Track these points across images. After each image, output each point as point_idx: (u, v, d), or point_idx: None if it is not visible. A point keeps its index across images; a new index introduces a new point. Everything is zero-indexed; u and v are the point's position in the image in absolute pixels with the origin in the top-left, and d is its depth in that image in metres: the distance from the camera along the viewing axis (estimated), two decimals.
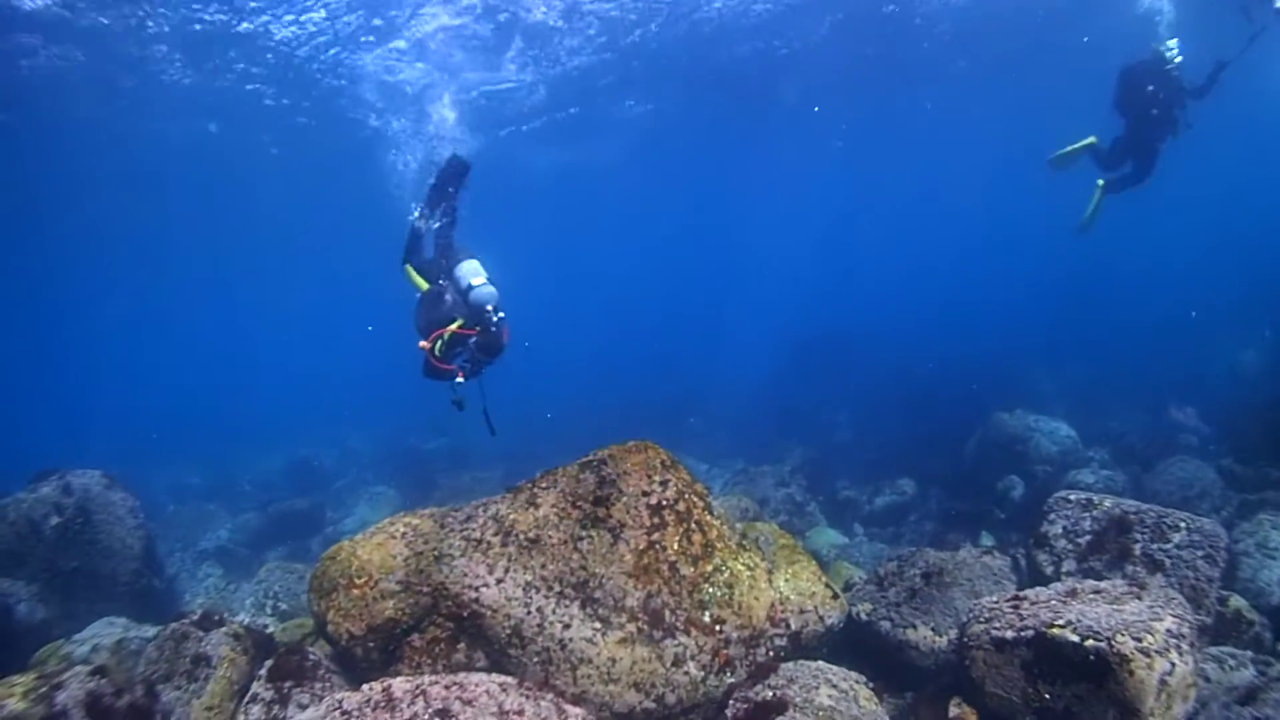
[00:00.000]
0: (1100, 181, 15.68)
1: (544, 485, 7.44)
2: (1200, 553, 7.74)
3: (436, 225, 11.64)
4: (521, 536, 7.05)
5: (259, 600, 13.21)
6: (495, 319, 10.26)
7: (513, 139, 32.34)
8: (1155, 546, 7.94)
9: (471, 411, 10.61)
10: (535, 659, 6.57)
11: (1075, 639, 5.61)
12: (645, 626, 6.70)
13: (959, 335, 33.47)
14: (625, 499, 7.17)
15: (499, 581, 6.86)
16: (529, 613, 6.70)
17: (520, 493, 7.50)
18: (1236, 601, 8.49)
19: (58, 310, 51.18)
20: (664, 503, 7.23)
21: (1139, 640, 5.47)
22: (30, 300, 45.34)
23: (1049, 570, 8.36)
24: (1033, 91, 32.28)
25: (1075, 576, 8.09)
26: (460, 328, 10.18)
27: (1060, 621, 5.81)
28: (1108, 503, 8.56)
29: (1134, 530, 8.14)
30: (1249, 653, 7.82)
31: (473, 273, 10.66)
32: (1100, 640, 5.51)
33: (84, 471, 13.41)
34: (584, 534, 6.99)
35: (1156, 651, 5.44)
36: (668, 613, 6.79)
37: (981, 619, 6.32)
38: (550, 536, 7.00)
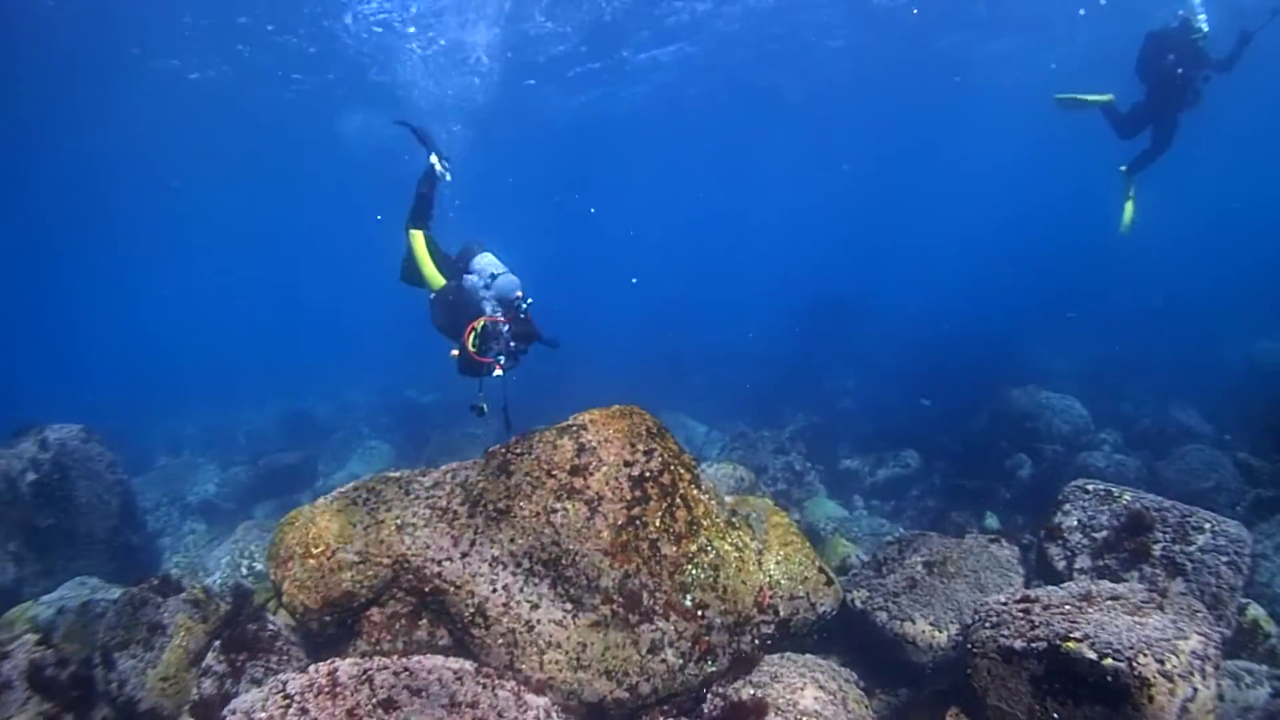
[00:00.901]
0: (1122, 168, 15.16)
1: (518, 451, 6.81)
2: (1224, 558, 7.16)
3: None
4: (490, 507, 6.49)
5: (234, 560, 12.81)
6: (525, 305, 9.82)
7: (535, 88, 31.71)
8: (1177, 548, 7.35)
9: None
10: (500, 640, 6.05)
11: (1092, 655, 5.05)
12: (620, 609, 6.17)
13: (972, 309, 33.00)
14: (605, 469, 6.58)
15: (464, 555, 6.33)
16: (494, 590, 6.17)
17: (492, 458, 6.91)
18: (1255, 610, 7.98)
19: (56, 262, 50.83)
20: (647, 474, 6.64)
21: (1161, 662, 4.92)
22: (28, 251, 44.96)
23: (1060, 565, 7.79)
24: (1065, 62, 31.63)
25: (1089, 574, 7.55)
26: (491, 318, 9.69)
27: (1076, 634, 5.25)
28: (1128, 496, 7.95)
29: (1155, 529, 7.53)
30: (1265, 667, 7.36)
31: (492, 264, 10.30)
32: (1120, 659, 4.96)
33: (62, 426, 13.03)
34: (558, 506, 6.40)
35: (1180, 675, 4.91)
36: (646, 595, 6.24)
37: (988, 623, 5.75)
38: (522, 508, 6.42)
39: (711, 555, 6.59)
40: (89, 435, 13.14)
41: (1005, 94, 35.60)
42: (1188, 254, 41.76)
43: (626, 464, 6.64)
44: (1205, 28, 13.62)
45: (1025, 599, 6.08)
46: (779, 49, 30.08)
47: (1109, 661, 4.98)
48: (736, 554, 6.78)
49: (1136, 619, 5.51)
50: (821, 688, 5.83)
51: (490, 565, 6.26)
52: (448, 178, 10.95)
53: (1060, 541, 7.93)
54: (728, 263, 70.42)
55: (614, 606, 6.16)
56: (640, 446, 6.78)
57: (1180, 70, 13.76)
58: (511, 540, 6.33)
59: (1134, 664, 4.91)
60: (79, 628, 8.58)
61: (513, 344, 9.75)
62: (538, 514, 6.37)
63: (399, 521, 6.66)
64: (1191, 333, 25.65)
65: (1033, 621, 5.61)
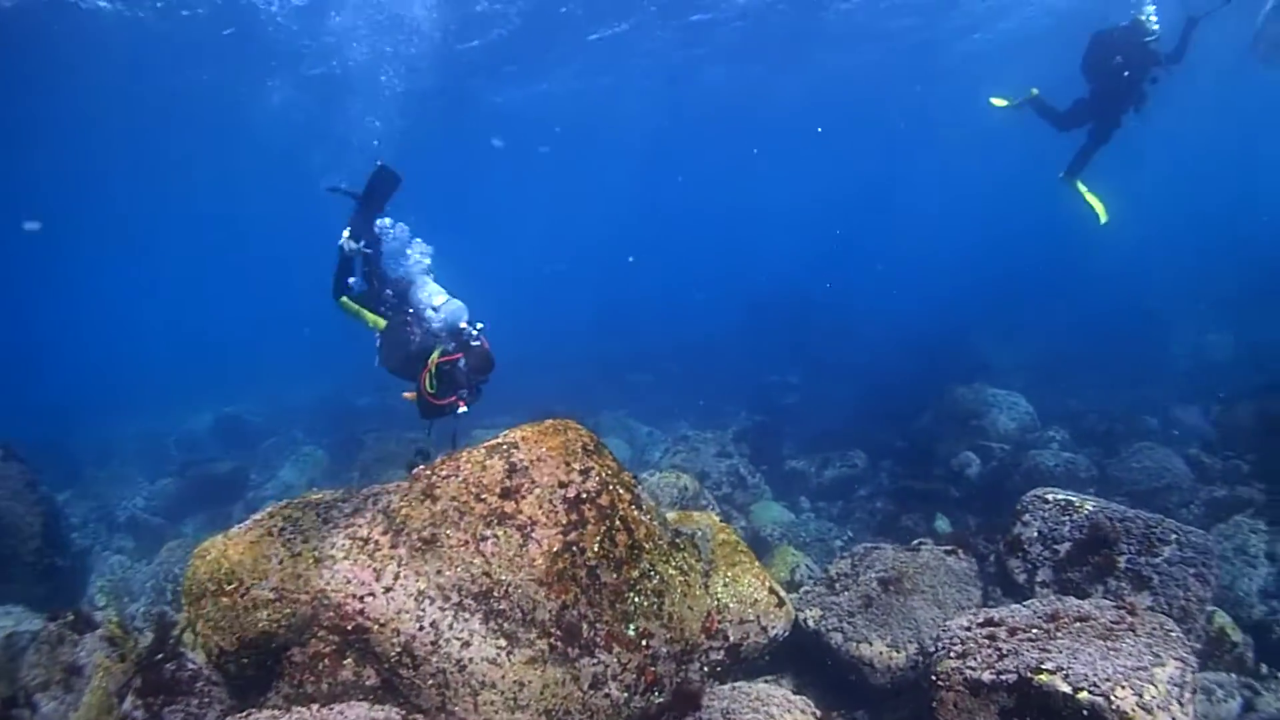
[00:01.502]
0: (1060, 175, 15.02)
1: (444, 474, 6.26)
2: (1192, 570, 6.92)
3: (362, 251, 10.35)
4: (415, 536, 5.94)
5: (159, 584, 12.22)
6: (475, 333, 9.26)
7: (471, 75, 30.91)
8: (1142, 560, 7.09)
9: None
10: (430, 682, 5.55)
11: (1067, 689, 4.71)
12: (559, 643, 5.69)
13: (919, 304, 33.00)
14: (538, 491, 6.08)
15: (387, 590, 5.78)
16: (421, 627, 5.64)
17: (416, 482, 6.35)
18: (1221, 618, 7.86)
19: None
20: (584, 496, 6.15)
21: (1140, 694, 4.62)
22: None
23: (1022, 579, 7.49)
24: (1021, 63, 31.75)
25: (1051, 588, 7.26)
26: (443, 355, 9.12)
27: (1048, 665, 4.90)
28: (1089, 506, 7.66)
29: (1118, 541, 7.26)
30: (1234, 677, 7.25)
31: (434, 292, 9.62)
32: (1097, 694, 4.63)
33: None
34: (488, 533, 5.87)
35: (1159, 707, 4.61)
36: (585, 626, 5.78)
37: (953, 652, 5.38)
38: (449, 536, 5.89)
39: (655, 581, 6.15)
40: (7, 453, 12.51)
41: (960, 91, 35.64)
42: (1137, 250, 42.11)
43: (561, 485, 6.15)
44: (1157, 29, 13.38)
45: (989, 622, 5.75)
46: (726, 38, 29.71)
47: (1085, 695, 4.66)
48: (682, 578, 6.36)
49: (1109, 644, 5.19)
50: None
51: (416, 600, 5.74)
52: (359, 246, 10.21)
53: (1021, 554, 7.64)
54: (674, 259, 70.08)
55: (552, 640, 5.69)
56: (576, 465, 6.29)
57: (1127, 74, 13.51)
58: (439, 572, 5.80)
59: (1111, 698, 4.61)
60: (4, 663, 7.96)
61: (471, 377, 9.24)
62: (466, 543, 5.84)
63: (317, 554, 6.10)
64: (1140, 327, 25.68)
65: (1000, 650, 5.26)
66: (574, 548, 5.94)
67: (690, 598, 6.32)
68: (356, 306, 9.99)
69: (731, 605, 6.64)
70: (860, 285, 40.04)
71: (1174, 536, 7.18)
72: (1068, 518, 7.64)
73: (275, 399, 29.64)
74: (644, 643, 5.93)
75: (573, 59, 31.07)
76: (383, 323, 9.84)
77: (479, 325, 9.34)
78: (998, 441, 15.63)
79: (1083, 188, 14.91)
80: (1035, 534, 7.68)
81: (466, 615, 5.69)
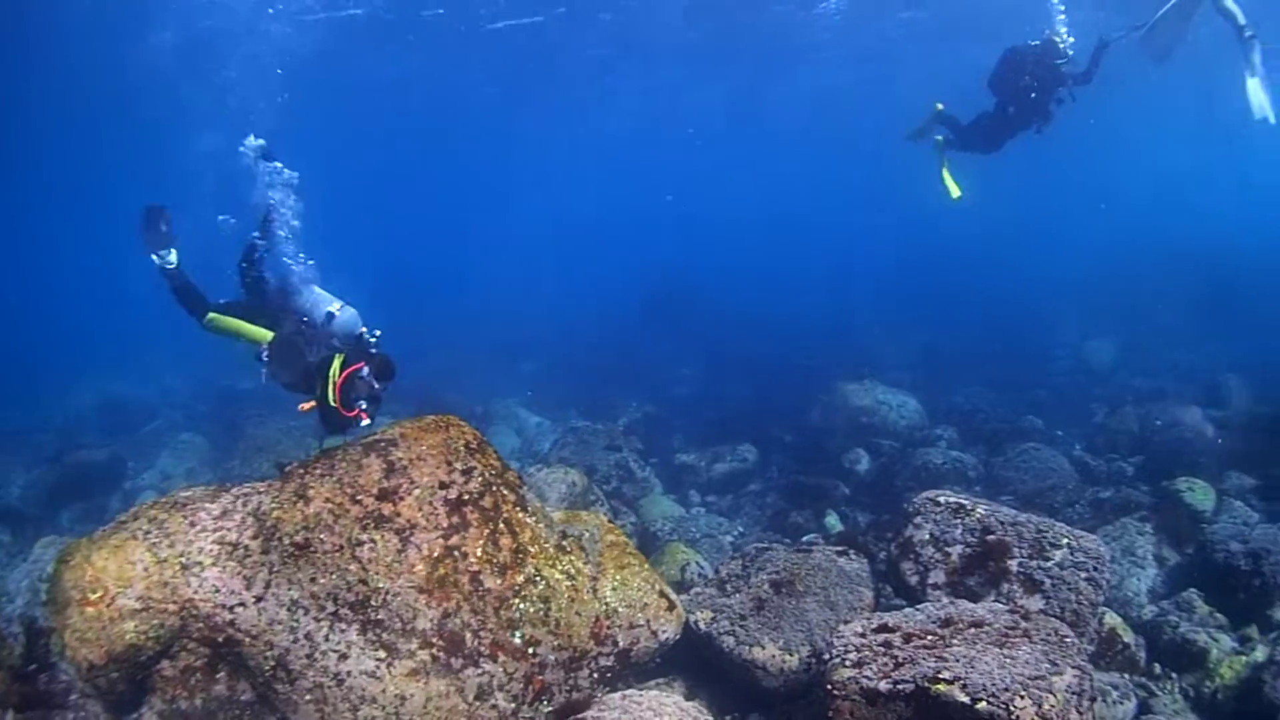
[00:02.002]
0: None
1: (318, 472, 5.91)
2: (1083, 574, 6.92)
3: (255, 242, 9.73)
4: (287, 540, 5.57)
5: (33, 584, 11.47)
6: (374, 339, 8.81)
7: (353, 51, 29.58)
8: (1034, 565, 7.07)
9: None
10: (306, 697, 5.20)
11: (965, 699, 4.60)
12: (441, 653, 5.42)
13: (812, 299, 33.30)
14: (418, 492, 5.79)
15: (258, 599, 5.40)
16: (295, 639, 5.29)
17: (288, 481, 5.96)
18: (1111, 619, 7.95)
19: None
20: (466, 497, 5.90)
21: (1039, 704, 4.53)
22: None
23: (914, 581, 7.41)
24: (908, 63, 32.12)
25: (944, 590, 7.19)
26: (346, 365, 8.62)
27: (945, 674, 4.78)
28: (981, 509, 7.65)
29: (1011, 545, 7.25)
30: (1127, 678, 7.33)
31: (322, 300, 9.00)
32: (996, 704, 4.53)
33: None
34: (365, 538, 5.55)
35: (1058, 715, 4.54)
36: (469, 635, 5.52)
37: (848, 661, 5.23)
38: (323, 541, 5.53)
39: (541, 586, 5.92)
40: None
41: (845, 83, 35.93)
42: (1025, 256, 43.15)
43: (443, 485, 5.86)
44: (1071, 52, 13.45)
45: (883, 628, 5.63)
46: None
47: (984, 705, 4.55)
48: (569, 582, 6.13)
49: (1005, 652, 5.11)
50: None
51: (289, 610, 5.38)
52: (171, 258, 9.20)
53: (913, 557, 7.56)
54: (566, 247, 69.67)
55: (434, 651, 5.41)
56: (458, 465, 6.01)
57: (1034, 94, 13.55)
58: (313, 580, 5.44)
59: (1011, 708, 4.51)
60: None
61: (375, 385, 8.81)
62: (341, 548, 5.50)
63: (184, 560, 5.64)
64: (1026, 332, 26.28)
65: (896, 658, 5.14)
66: (456, 552, 5.67)
67: (578, 603, 6.09)
68: (233, 321, 9.08)
69: (621, 610, 6.42)
70: (756, 280, 40.27)
71: (1065, 541, 7.20)
72: (960, 521, 7.60)
73: (158, 378, 28.40)
74: (531, 651, 5.70)
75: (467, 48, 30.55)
76: (268, 335, 9.25)
77: (377, 332, 8.95)
78: (887, 438, 15.77)
79: (944, 161, 14.98)
80: (927, 536, 7.61)
81: (343, 626, 5.37)
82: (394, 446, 5.98)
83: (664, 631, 6.67)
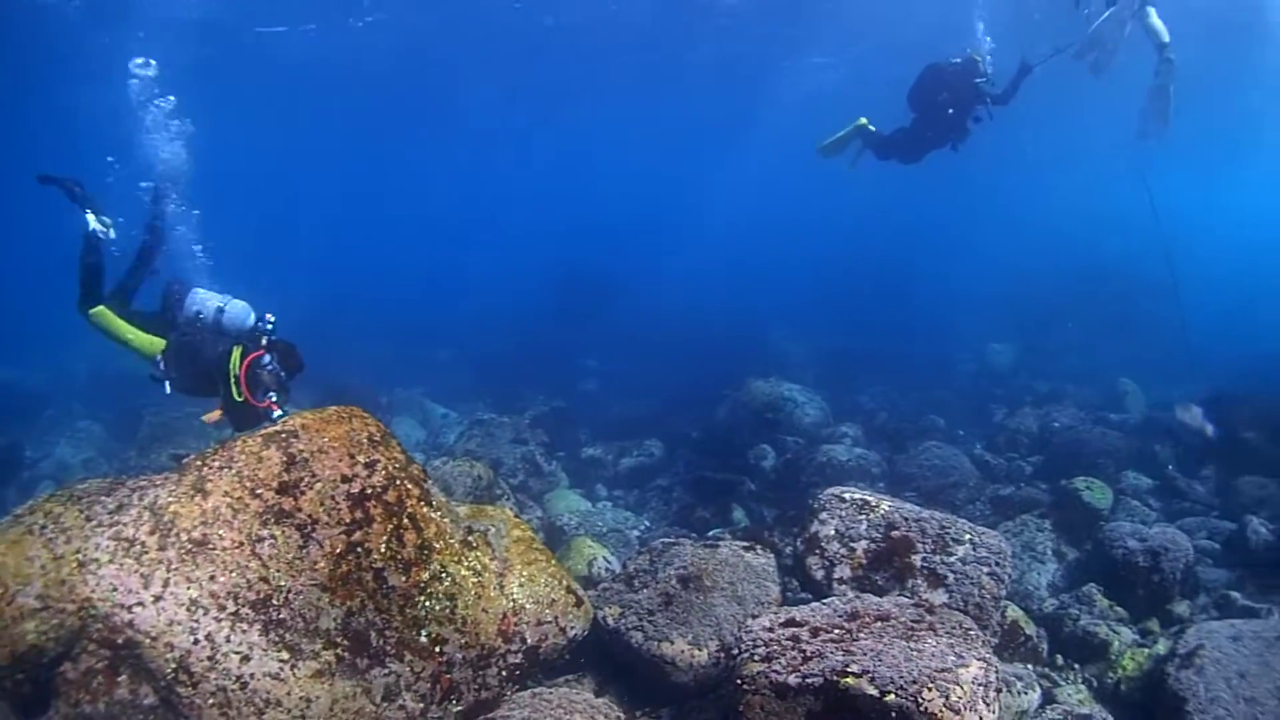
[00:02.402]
0: (863, 120, 15.11)
1: (215, 464, 5.67)
2: (985, 569, 7.08)
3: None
4: (185, 536, 5.33)
5: None
6: (270, 327, 8.54)
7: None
8: (938, 559, 7.21)
9: None
10: (210, 701, 4.99)
11: (874, 692, 4.64)
12: (347, 653, 5.28)
13: (719, 296, 33.57)
14: (320, 486, 5.62)
15: (156, 599, 5.15)
16: (196, 641, 5.06)
17: (186, 474, 5.71)
18: (1014, 612, 8.12)
19: None
20: (369, 491, 5.75)
21: (946, 695, 4.59)
22: None
23: (819, 576, 7.48)
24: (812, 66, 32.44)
25: (849, 585, 7.27)
26: (245, 355, 8.31)
27: (854, 668, 4.82)
28: (885, 505, 7.78)
29: (915, 541, 7.38)
30: (1030, 668, 7.50)
31: (206, 298, 8.72)
32: (905, 696, 4.58)
33: None
34: (265, 533, 5.37)
35: (965, 706, 4.61)
36: (374, 634, 5.39)
37: (757, 655, 5.24)
38: (221, 537, 5.32)
39: (447, 583, 5.81)
40: None
41: (770, 89, 36.24)
42: (933, 265, 43.92)
43: (345, 479, 5.71)
44: (990, 71, 13.61)
45: (791, 622, 5.65)
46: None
47: (892, 698, 4.59)
48: (475, 579, 6.03)
49: (911, 644, 5.17)
50: None
51: (189, 610, 5.15)
52: (112, 234, 8.81)
53: (818, 552, 7.62)
54: (479, 236, 69.04)
55: (339, 651, 5.26)
56: (361, 458, 5.86)
57: (951, 111, 13.73)
58: (212, 578, 5.23)
59: (919, 700, 4.57)
60: None
61: (282, 375, 8.56)
62: (240, 544, 5.30)
63: (81, 556, 5.35)
64: (930, 335, 26.85)
65: (804, 652, 5.16)
66: (359, 549, 5.53)
67: (485, 600, 6.00)
68: (120, 322, 8.62)
69: (528, 606, 6.34)
70: (665, 274, 40.45)
71: (968, 536, 7.34)
72: (864, 517, 7.70)
73: (57, 362, 27.35)
74: (438, 649, 5.59)
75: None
76: (160, 342, 8.69)
77: (270, 317, 8.73)
78: (792, 435, 15.96)
79: (847, 136, 15.21)
80: (833, 532, 7.69)
81: (244, 626, 5.18)
82: (295, 439, 5.80)
83: (572, 628, 6.61)
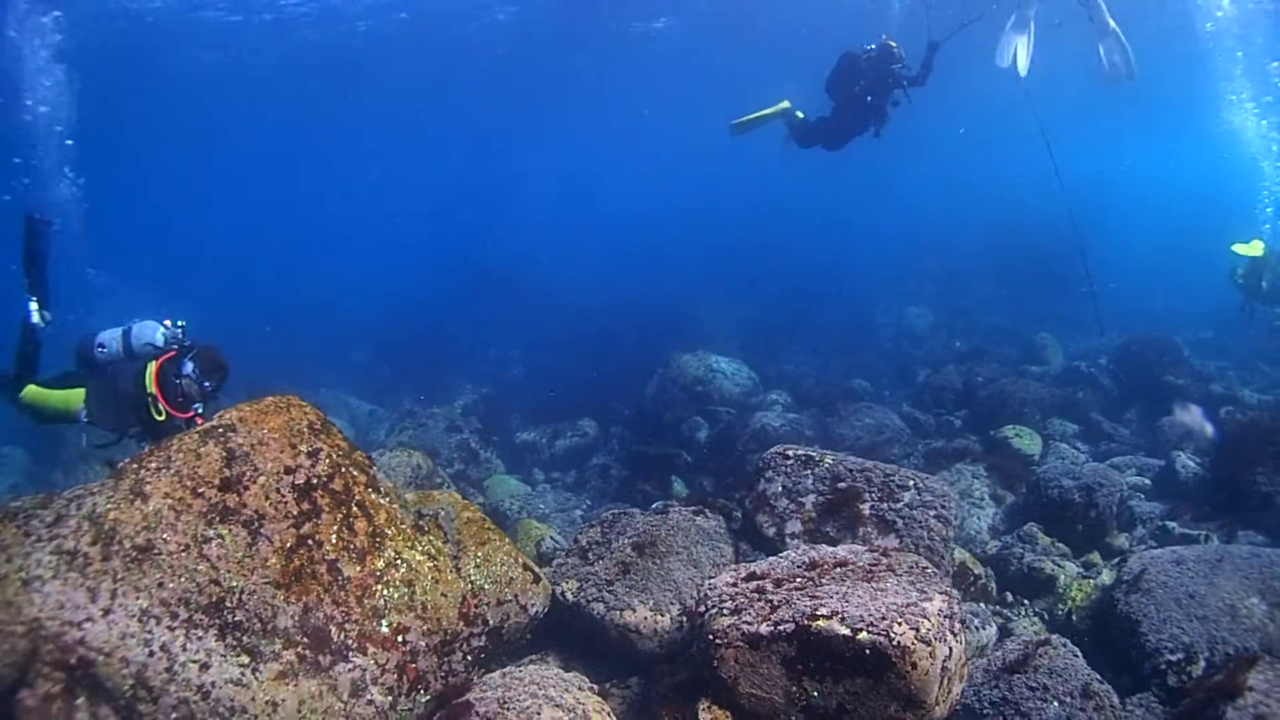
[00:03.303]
0: (786, 103, 15.06)
1: (153, 466, 5.40)
2: (932, 512, 7.27)
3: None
4: (128, 544, 5.06)
5: None
6: (180, 333, 8.19)
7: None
8: (885, 506, 7.38)
9: None
10: (173, 715, 4.73)
11: (845, 631, 4.69)
12: (308, 651, 5.11)
13: (638, 277, 33.84)
14: (263, 479, 5.44)
15: (106, 612, 4.88)
16: (152, 653, 4.82)
17: (123, 478, 5.42)
18: (961, 554, 8.36)
19: None
20: (315, 481, 5.60)
21: (916, 629, 4.67)
22: None
23: (771, 533, 7.56)
24: (726, 52, 32.58)
25: (802, 538, 7.37)
26: (160, 364, 7.91)
27: (823, 611, 4.87)
28: (829, 459, 7.90)
29: (861, 490, 7.52)
30: (983, 605, 7.75)
31: (114, 331, 8.22)
32: (876, 633, 4.65)
33: None
34: (211, 533, 5.16)
35: (935, 638, 4.70)
36: (335, 629, 5.24)
37: (726, 610, 5.25)
38: (166, 541, 5.09)
39: (403, 569, 5.69)
40: None
41: (667, 69, 36.27)
42: (851, 238, 44.53)
43: (288, 470, 5.54)
44: (903, 56, 13.62)
45: (753, 576, 5.70)
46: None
47: (865, 635, 4.66)
48: (431, 563, 5.91)
49: (875, 585, 5.27)
50: (558, 705, 5.08)
51: (140, 621, 4.91)
52: (46, 319, 8.36)
53: (768, 509, 7.72)
54: (391, 234, 68.10)
55: (300, 650, 5.10)
56: (303, 447, 5.70)
57: (870, 98, 13.79)
58: (160, 585, 4.99)
59: (891, 634, 4.63)
60: None
61: (206, 384, 8.20)
62: (187, 547, 5.08)
63: (24, 575, 5.03)
64: (849, 303, 27.24)
65: (771, 602, 5.18)
66: (309, 541, 5.38)
67: (443, 583, 5.89)
68: (43, 391, 8.17)
69: (487, 586, 6.24)
70: (575, 257, 40.50)
71: (912, 483, 7.52)
72: (810, 471, 7.81)
73: None
74: (400, 639, 5.47)
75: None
76: (79, 393, 8.23)
77: (181, 322, 8.39)
78: (723, 405, 16.09)
79: (769, 113, 15.11)
80: (780, 489, 7.78)
81: (199, 632, 4.98)
82: (233, 432, 5.60)
83: (533, 605, 6.53)
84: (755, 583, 5.53)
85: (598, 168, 68.12)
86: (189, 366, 7.94)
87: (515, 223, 58.37)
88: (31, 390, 8.15)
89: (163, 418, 7.77)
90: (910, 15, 15.50)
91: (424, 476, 11.77)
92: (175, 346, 8.12)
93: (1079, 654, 6.16)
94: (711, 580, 5.82)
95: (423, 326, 28.09)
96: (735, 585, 5.56)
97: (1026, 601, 8.12)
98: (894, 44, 13.68)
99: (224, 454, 5.48)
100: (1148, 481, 11.01)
